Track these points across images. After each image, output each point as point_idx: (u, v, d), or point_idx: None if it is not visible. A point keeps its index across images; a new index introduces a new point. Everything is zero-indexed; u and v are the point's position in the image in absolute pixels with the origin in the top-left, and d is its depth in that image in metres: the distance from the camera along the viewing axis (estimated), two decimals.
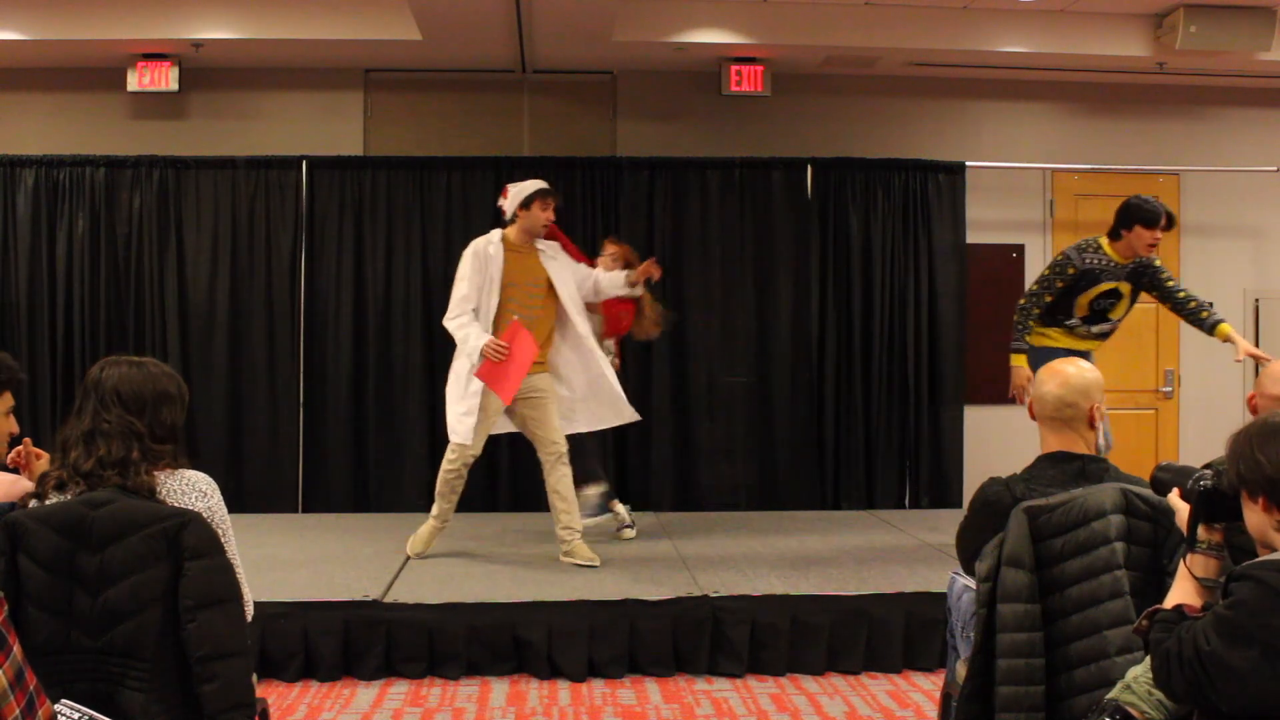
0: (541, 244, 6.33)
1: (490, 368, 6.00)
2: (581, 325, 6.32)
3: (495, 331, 6.09)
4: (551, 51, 8.25)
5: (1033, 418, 3.47)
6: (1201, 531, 2.56)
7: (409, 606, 5.43)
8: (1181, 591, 2.54)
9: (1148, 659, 2.53)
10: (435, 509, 6.39)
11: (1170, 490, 2.74)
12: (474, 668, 5.37)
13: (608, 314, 6.85)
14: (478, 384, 6.08)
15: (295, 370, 8.36)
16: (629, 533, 7.08)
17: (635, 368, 8.46)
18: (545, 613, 5.45)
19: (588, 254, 6.82)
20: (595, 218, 8.48)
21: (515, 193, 6.28)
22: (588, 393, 6.45)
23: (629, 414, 6.51)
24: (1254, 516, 2.42)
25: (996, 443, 8.42)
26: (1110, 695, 2.79)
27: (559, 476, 6.26)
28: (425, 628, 5.36)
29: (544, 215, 6.24)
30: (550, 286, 6.27)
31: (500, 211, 6.38)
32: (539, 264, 6.27)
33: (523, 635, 5.39)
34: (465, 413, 6.12)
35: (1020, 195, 9.01)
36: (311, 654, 5.30)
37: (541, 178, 8.31)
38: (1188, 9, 7.81)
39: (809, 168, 8.66)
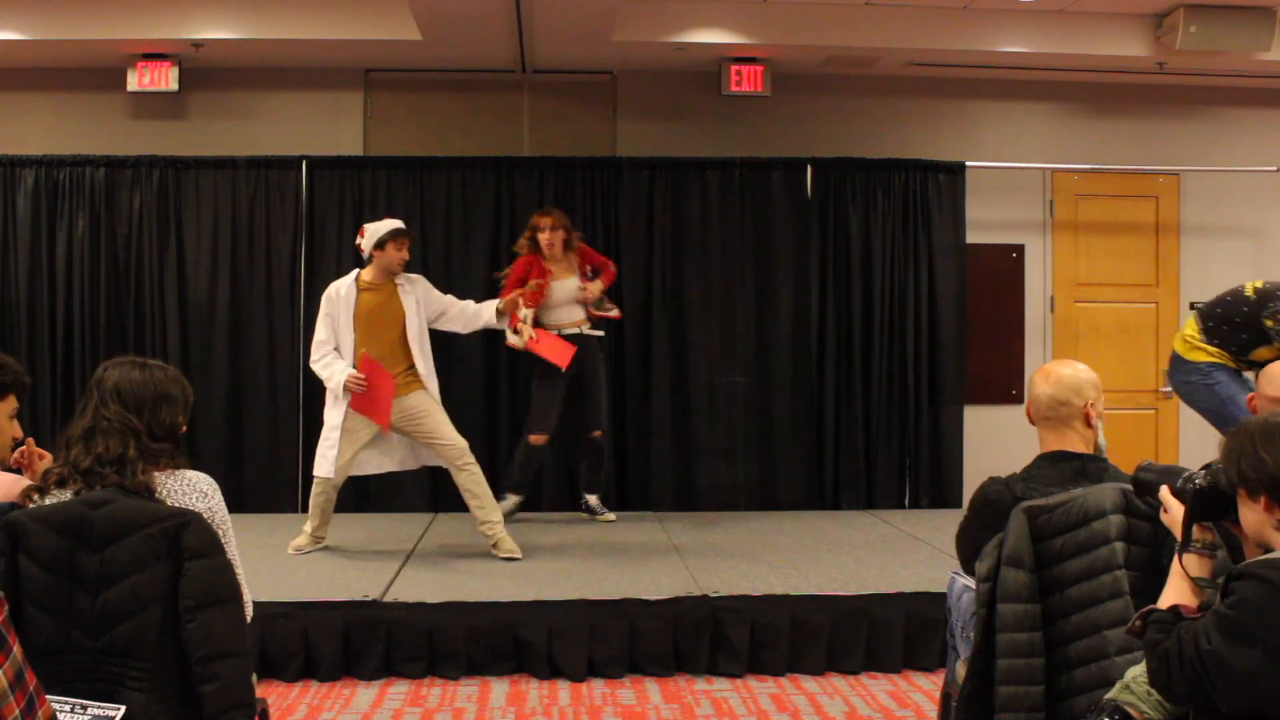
0: (401, 279, 6.53)
1: (357, 400, 6.29)
2: (420, 363, 6.49)
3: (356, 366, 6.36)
4: (551, 51, 8.25)
5: (1031, 421, 3.47)
6: (1195, 531, 2.56)
7: (409, 606, 5.44)
8: (1176, 591, 2.54)
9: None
10: (308, 526, 6.61)
11: (1154, 490, 2.74)
12: (474, 667, 5.38)
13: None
14: (336, 419, 6.37)
15: (295, 370, 8.34)
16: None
17: (635, 367, 8.47)
18: (545, 612, 5.46)
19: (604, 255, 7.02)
20: (595, 218, 8.48)
21: (371, 233, 6.49)
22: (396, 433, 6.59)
23: (413, 463, 6.73)
24: (1252, 515, 2.42)
25: (996, 443, 8.41)
26: (1109, 695, 2.79)
27: (467, 476, 6.39)
28: (425, 628, 5.37)
29: (398, 255, 6.47)
30: (404, 320, 6.49)
31: (359, 250, 6.60)
32: (396, 299, 6.48)
33: (523, 635, 5.40)
34: (328, 446, 6.40)
35: (1020, 195, 9.01)
36: (311, 654, 5.31)
37: (541, 178, 8.43)
38: (1188, 9, 7.81)
39: (809, 168, 8.65)
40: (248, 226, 8.38)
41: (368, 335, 6.41)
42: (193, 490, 2.91)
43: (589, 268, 7.54)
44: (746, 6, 7.96)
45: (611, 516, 7.73)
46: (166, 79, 8.11)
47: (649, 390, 8.46)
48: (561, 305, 7.42)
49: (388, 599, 5.51)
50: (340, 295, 6.45)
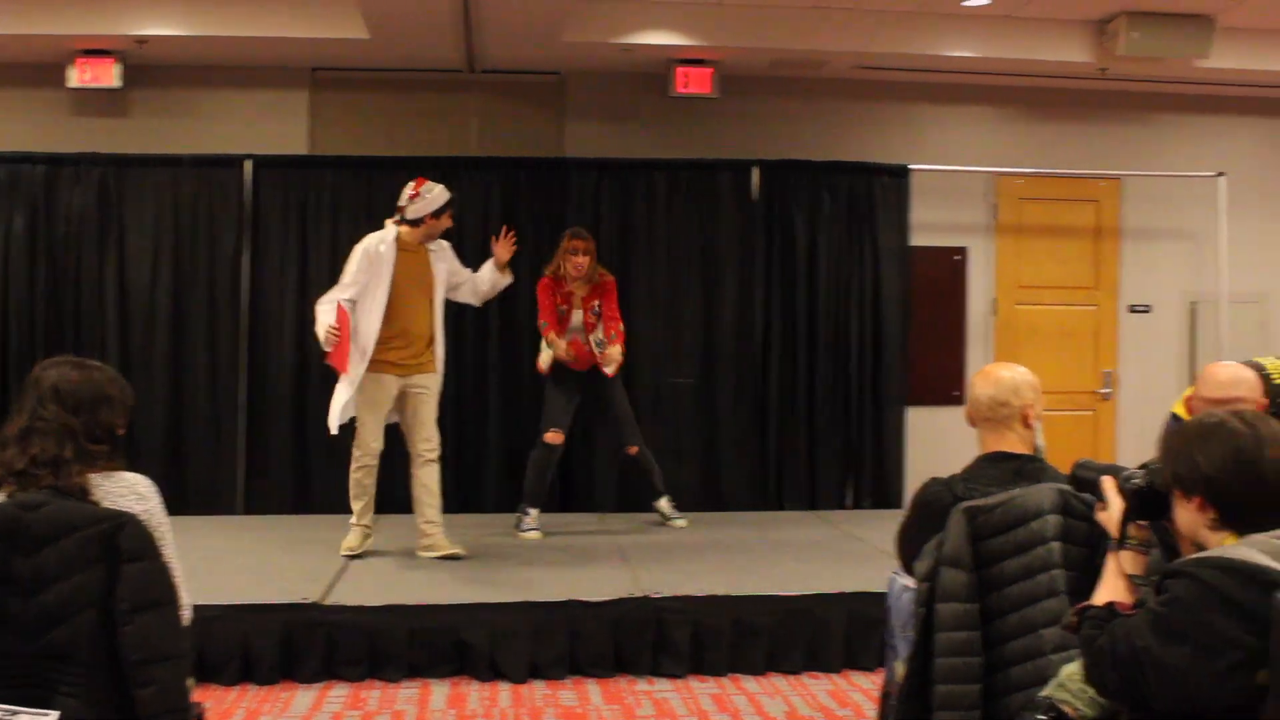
0: (433, 245, 6.48)
1: (331, 352, 6.21)
2: (439, 336, 6.48)
3: (382, 327, 6.24)
4: (499, 51, 8.24)
5: (971, 423, 3.50)
6: (1131, 529, 2.60)
7: (349, 609, 5.41)
8: (1111, 588, 2.57)
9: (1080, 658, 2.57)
10: (354, 517, 6.54)
11: (1094, 487, 2.78)
12: (415, 670, 5.36)
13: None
14: (350, 392, 6.25)
15: (237, 371, 8.29)
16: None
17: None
18: (487, 614, 5.45)
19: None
20: (542, 219, 8.46)
21: (433, 198, 6.37)
22: None
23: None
24: (1187, 515, 2.46)
25: (938, 444, 8.49)
26: (1044, 693, 2.82)
27: (429, 472, 6.39)
28: (366, 630, 5.34)
29: (443, 226, 6.44)
30: (433, 288, 6.45)
31: (400, 210, 6.44)
32: (428, 264, 6.44)
33: (464, 637, 5.38)
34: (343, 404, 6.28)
35: (964, 198, 9.09)
36: (250, 657, 5.27)
37: (489, 178, 8.42)
38: (1130, 16, 7.91)
39: (755, 170, 8.69)
40: (190, 226, 8.29)
41: (401, 297, 6.31)
42: (130, 492, 2.88)
43: (595, 305, 7.33)
44: (695, 8, 7.98)
45: (683, 522, 7.61)
46: (109, 75, 8.00)
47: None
48: (575, 330, 7.30)
49: (328, 601, 5.47)
50: (381, 254, 6.27)
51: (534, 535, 7.17)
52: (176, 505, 5.58)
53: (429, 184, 6.43)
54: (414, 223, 6.37)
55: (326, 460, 8.24)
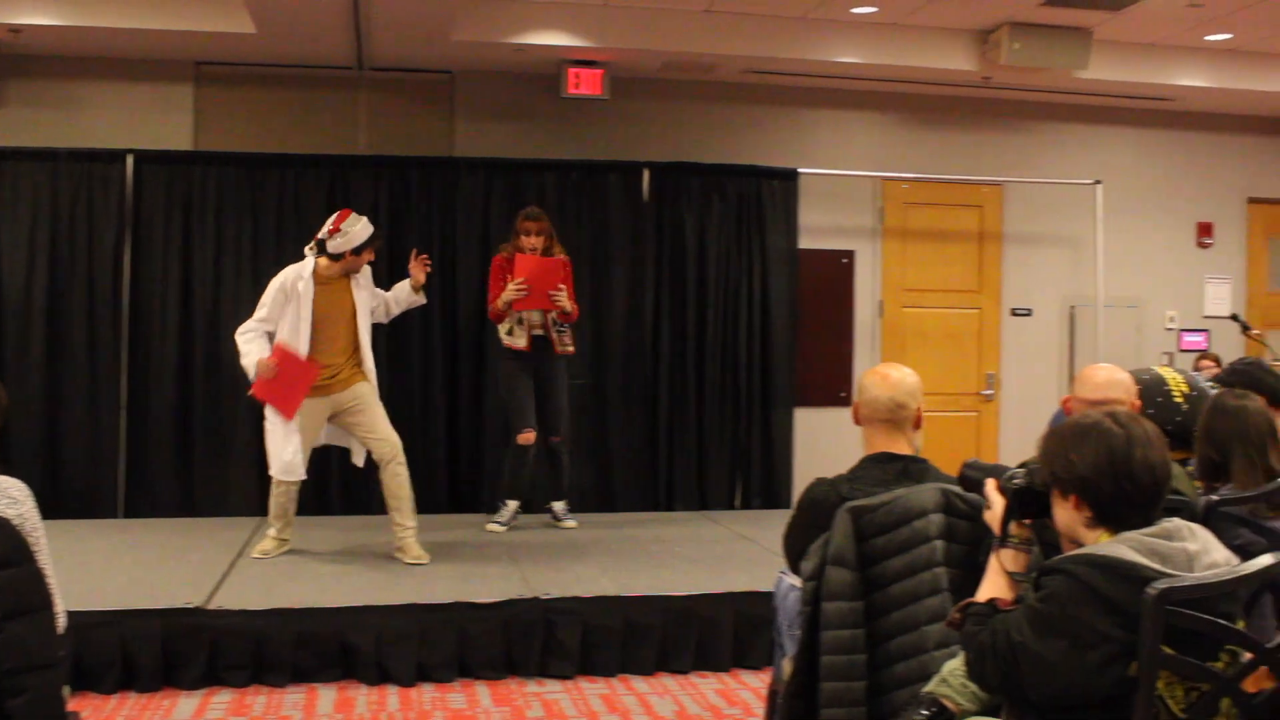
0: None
1: (261, 386, 6.21)
2: (366, 356, 6.46)
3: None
4: (389, 49, 8.15)
5: (857, 422, 3.54)
6: (1013, 527, 2.66)
7: (233, 613, 5.31)
8: (993, 585, 2.64)
9: (963, 653, 2.62)
10: (272, 530, 6.54)
11: (979, 487, 2.84)
12: (301, 674, 5.28)
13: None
14: (279, 417, 6.30)
15: (118, 370, 8.09)
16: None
17: (469, 368, 8.42)
18: (374, 617, 5.39)
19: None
20: (432, 218, 8.41)
21: (353, 236, 6.31)
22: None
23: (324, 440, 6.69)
24: (1064, 514, 2.53)
25: (826, 444, 8.60)
26: (926, 688, 2.88)
27: (392, 475, 6.34)
28: (250, 635, 5.25)
29: (363, 262, 6.40)
30: (354, 313, 6.44)
31: (321, 243, 6.39)
32: (349, 294, 6.41)
33: (351, 640, 5.32)
34: (292, 451, 6.30)
35: (851, 202, 9.21)
36: (130, 664, 5.14)
37: (377, 177, 8.34)
38: (1012, 27, 8.10)
39: (646, 172, 8.71)
40: (69, 222, 8.06)
41: (320, 328, 6.31)
42: (2, 496, 2.81)
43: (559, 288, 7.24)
44: (586, 10, 7.98)
45: (573, 523, 7.65)
46: None
47: (482, 391, 8.41)
48: (534, 312, 7.28)
49: (211, 606, 5.37)
50: (299, 291, 6.27)
51: (496, 528, 7.38)
52: (53, 509, 5.46)
53: (352, 218, 6.36)
54: (334, 257, 6.31)
55: (210, 462, 8.12)
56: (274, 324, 6.29)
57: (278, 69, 8.40)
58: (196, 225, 8.15)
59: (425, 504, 8.17)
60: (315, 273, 6.32)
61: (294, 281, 6.29)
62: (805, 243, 9.00)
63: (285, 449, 6.28)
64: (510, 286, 7.00)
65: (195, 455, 8.10)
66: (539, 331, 7.32)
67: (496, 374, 7.73)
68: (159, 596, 5.48)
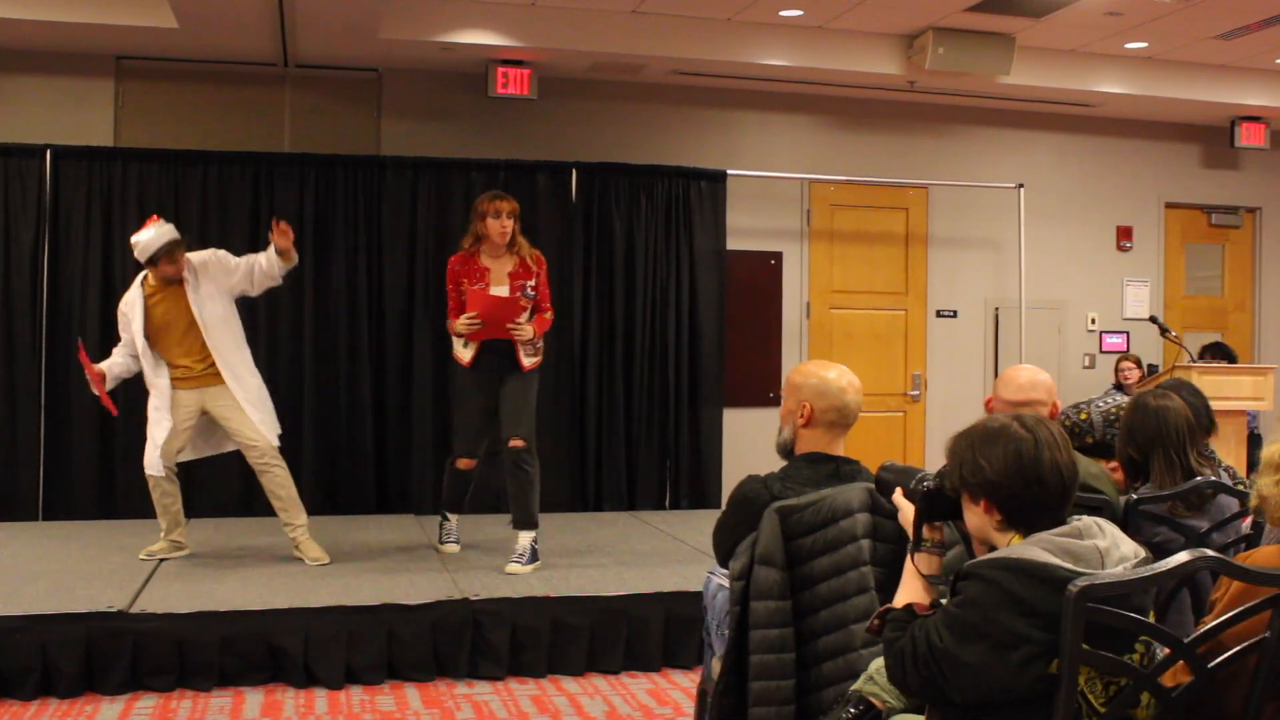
0: (187, 273, 6.29)
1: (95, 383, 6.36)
2: (220, 355, 6.28)
3: (160, 365, 6.32)
4: (315, 46, 8.08)
5: (804, 423, 3.43)
6: (925, 531, 2.68)
7: (157, 617, 5.23)
8: (910, 590, 2.66)
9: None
10: (162, 532, 6.49)
11: (894, 490, 2.87)
12: (227, 678, 5.21)
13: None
14: (152, 413, 6.31)
15: (36, 369, 7.94)
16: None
17: (396, 368, 8.37)
18: (301, 619, 5.33)
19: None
20: (358, 217, 8.35)
21: (142, 249, 6.19)
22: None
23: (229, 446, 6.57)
24: (975, 517, 2.56)
25: (754, 444, 8.64)
26: (854, 687, 2.90)
27: (269, 477, 6.32)
28: (174, 638, 5.17)
29: (172, 269, 6.22)
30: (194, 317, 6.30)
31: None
32: (183, 299, 6.27)
33: (278, 643, 5.26)
34: (150, 445, 6.29)
35: (779, 204, 9.28)
36: (50, 670, 5.04)
37: (302, 175, 8.28)
38: (937, 32, 8.21)
39: (574, 172, 8.72)
40: None
41: (161, 339, 6.30)
42: None
43: (528, 285, 6.34)
44: (514, 9, 7.97)
45: (523, 569, 6.20)
46: None
47: (410, 390, 8.37)
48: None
49: (135, 609, 5.28)
50: (131, 312, 6.29)
51: (452, 549, 6.72)
52: None
53: (142, 232, 6.23)
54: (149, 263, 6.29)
55: (131, 464, 7.96)
56: (130, 345, 6.32)
57: (200, 64, 8.30)
58: (117, 222, 8.01)
59: (354, 505, 8.19)
60: (144, 285, 6.32)
61: (126, 302, 6.36)
62: (733, 244, 9.05)
63: (151, 443, 6.26)
64: (463, 320, 6.16)
65: (116, 456, 7.96)
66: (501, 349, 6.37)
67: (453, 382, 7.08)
68: (80, 600, 5.38)
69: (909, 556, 2.69)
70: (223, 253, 6.44)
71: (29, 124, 8.06)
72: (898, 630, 2.54)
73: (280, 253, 6.29)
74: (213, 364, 6.28)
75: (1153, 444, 3.81)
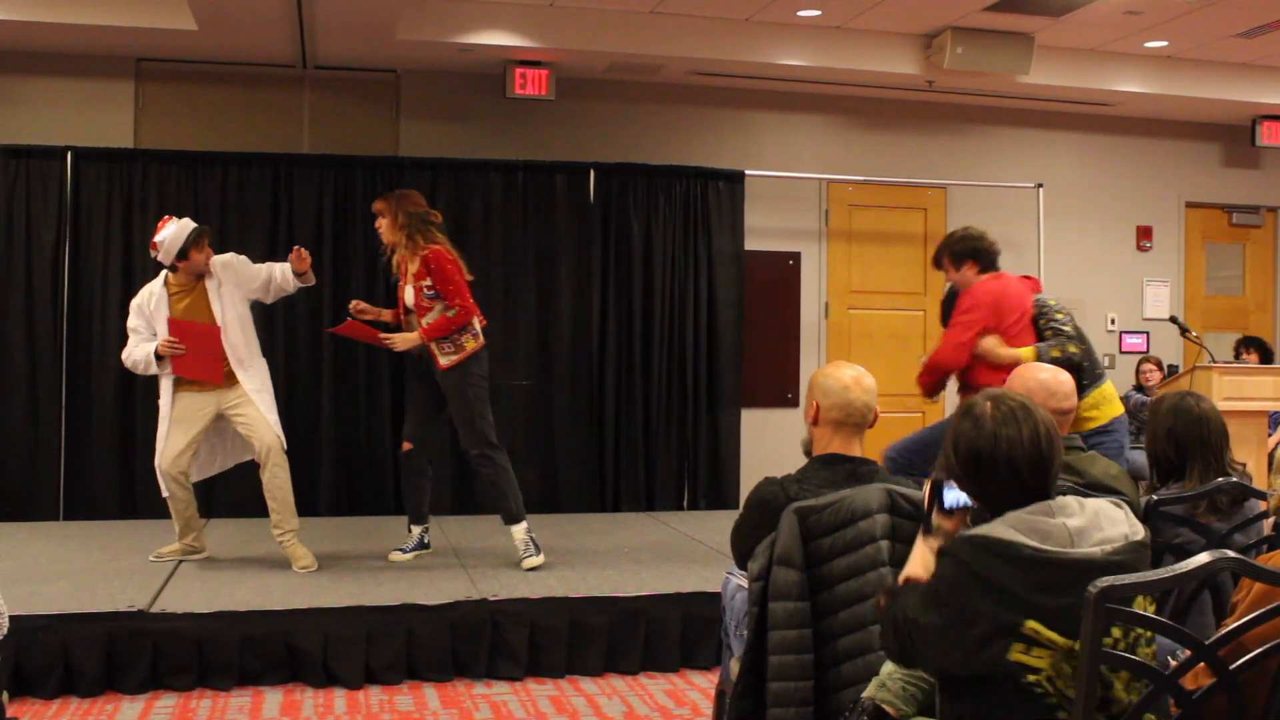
0: (212, 268, 6.30)
1: (179, 363, 6.17)
2: (236, 356, 6.25)
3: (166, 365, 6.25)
4: (333, 47, 8.11)
5: (815, 423, 3.45)
6: (935, 518, 2.70)
7: (177, 616, 5.25)
8: (913, 565, 2.69)
9: None
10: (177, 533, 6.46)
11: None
12: (246, 678, 5.22)
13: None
14: (165, 406, 6.25)
15: (57, 370, 7.98)
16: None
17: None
18: (320, 619, 5.35)
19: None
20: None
21: (169, 245, 6.16)
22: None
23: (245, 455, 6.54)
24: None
25: (772, 445, 8.65)
26: (865, 693, 2.90)
27: (270, 476, 6.27)
28: (194, 638, 5.19)
29: (202, 257, 6.23)
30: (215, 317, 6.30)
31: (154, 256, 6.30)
32: (206, 299, 6.27)
33: (297, 643, 5.27)
34: (160, 437, 6.26)
35: (797, 204, 9.27)
36: (72, 669, 5.06)
37: (321, 176, 8.29)
38: (955, 31, 8.18)
39: (592, 172, 8.72)
40: (6, 219, 7.96)
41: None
42: None
43: (424, 287, 6.20)
44: (532, 10, 7.98)
45: (534, 561, 6.29)
46: None
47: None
48: (410, 311, 6.36)
49: (155, 609, 5.31)
50: (152, 308, 6.25)
51: (398, 556, 6.53)
52: None
53: (167, 227, 6.21)
54: (173, 267, 6.26)
55: (151, 464, 7.97)
56: (146, 334, 6.27)
57: (220, 66, 8.34)
58: (137, 223, 8.06)
59: (372, 506, 8.21)
60: (166, 283, 6.30)
61: (148, 298, 6.31)
62: (751, 244, 9.04)
63: (158, 437, 6.25)
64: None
65: (136, 456, 7.99)
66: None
67: None
68: (101, 600, 5.41)
69: (920, 536, 2.72)
70: (243, 258, 6.45)
71: (50, 126, 8.11)
72: (893, 602, 2.59)
73: (298, 275, 6.37)
74: (228, 366, 6.28)
75: (1194, 447, 3.81)
